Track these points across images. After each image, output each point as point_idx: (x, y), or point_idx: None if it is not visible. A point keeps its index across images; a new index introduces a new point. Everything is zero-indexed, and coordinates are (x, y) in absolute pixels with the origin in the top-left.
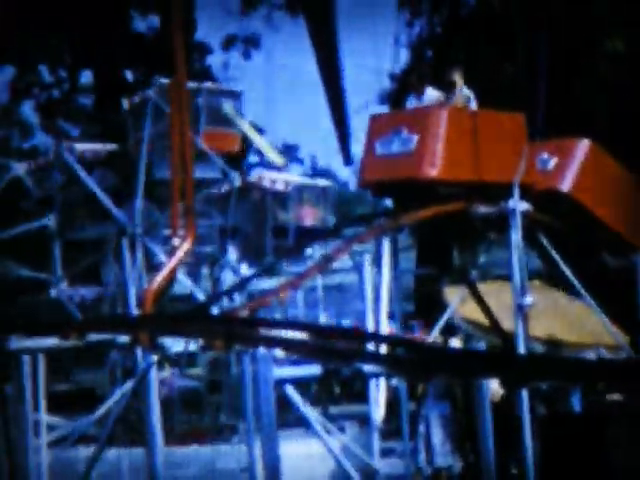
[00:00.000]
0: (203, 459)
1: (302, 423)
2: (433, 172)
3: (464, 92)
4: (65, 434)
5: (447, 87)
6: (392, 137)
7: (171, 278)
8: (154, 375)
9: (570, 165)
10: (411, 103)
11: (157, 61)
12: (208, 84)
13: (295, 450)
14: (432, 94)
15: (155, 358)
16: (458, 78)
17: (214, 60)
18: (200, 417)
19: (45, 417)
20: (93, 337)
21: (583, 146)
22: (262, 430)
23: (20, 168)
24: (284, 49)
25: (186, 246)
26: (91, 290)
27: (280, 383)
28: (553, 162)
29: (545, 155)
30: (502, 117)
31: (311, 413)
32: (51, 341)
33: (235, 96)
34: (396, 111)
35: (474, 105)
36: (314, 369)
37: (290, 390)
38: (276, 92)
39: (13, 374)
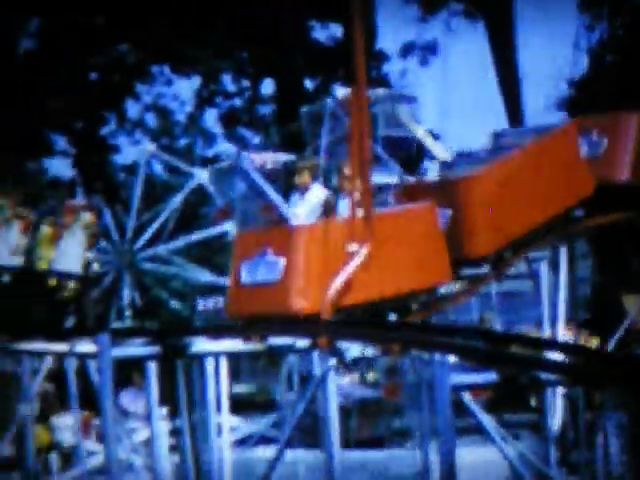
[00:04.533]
0: (378, 463)
1: (476, 430)
2: (302, 304)
3: (318, 195)
4: (246, 435)
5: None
6: (257, 260)
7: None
8: (332, 380)
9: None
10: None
11: (336, 70)
12: (382, 90)
13: (470, 456)
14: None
15: (333, 363)
16: (306, 177)
17: (392, 67)
18: (375, 421)
19: (228, 418)
20: (273, 341)
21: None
22: (439, 435)
23: (203, 175)
24: (462, 55)
25: (365, 251)
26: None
27: (456, 389)
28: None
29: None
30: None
31: (487, 420)
32: (233, 344)
33: (410, 101)
34: (263, 230)
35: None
36: (490, 376)
37: (466, 396)
38: (453, 98)
39: (196, 376)
